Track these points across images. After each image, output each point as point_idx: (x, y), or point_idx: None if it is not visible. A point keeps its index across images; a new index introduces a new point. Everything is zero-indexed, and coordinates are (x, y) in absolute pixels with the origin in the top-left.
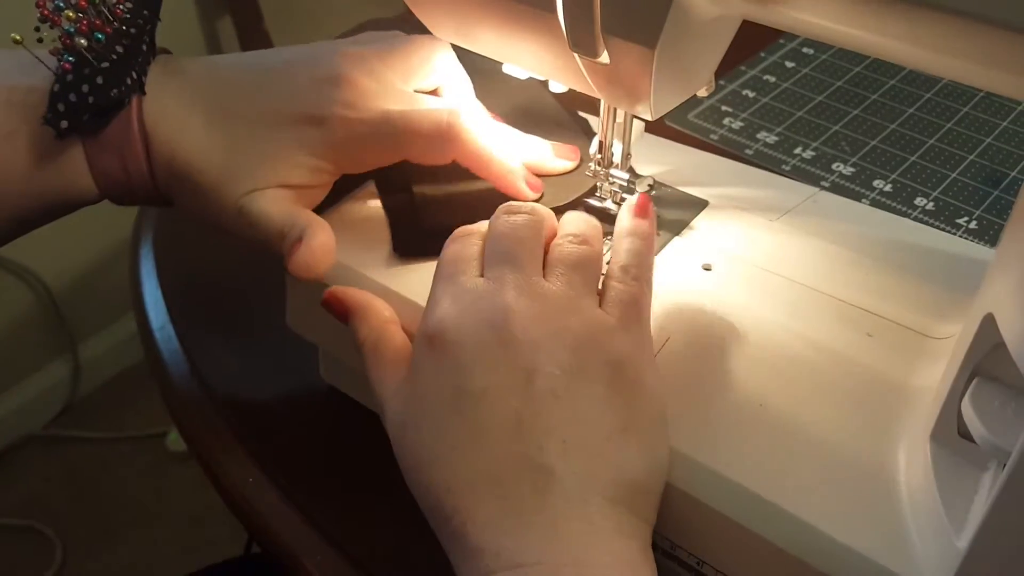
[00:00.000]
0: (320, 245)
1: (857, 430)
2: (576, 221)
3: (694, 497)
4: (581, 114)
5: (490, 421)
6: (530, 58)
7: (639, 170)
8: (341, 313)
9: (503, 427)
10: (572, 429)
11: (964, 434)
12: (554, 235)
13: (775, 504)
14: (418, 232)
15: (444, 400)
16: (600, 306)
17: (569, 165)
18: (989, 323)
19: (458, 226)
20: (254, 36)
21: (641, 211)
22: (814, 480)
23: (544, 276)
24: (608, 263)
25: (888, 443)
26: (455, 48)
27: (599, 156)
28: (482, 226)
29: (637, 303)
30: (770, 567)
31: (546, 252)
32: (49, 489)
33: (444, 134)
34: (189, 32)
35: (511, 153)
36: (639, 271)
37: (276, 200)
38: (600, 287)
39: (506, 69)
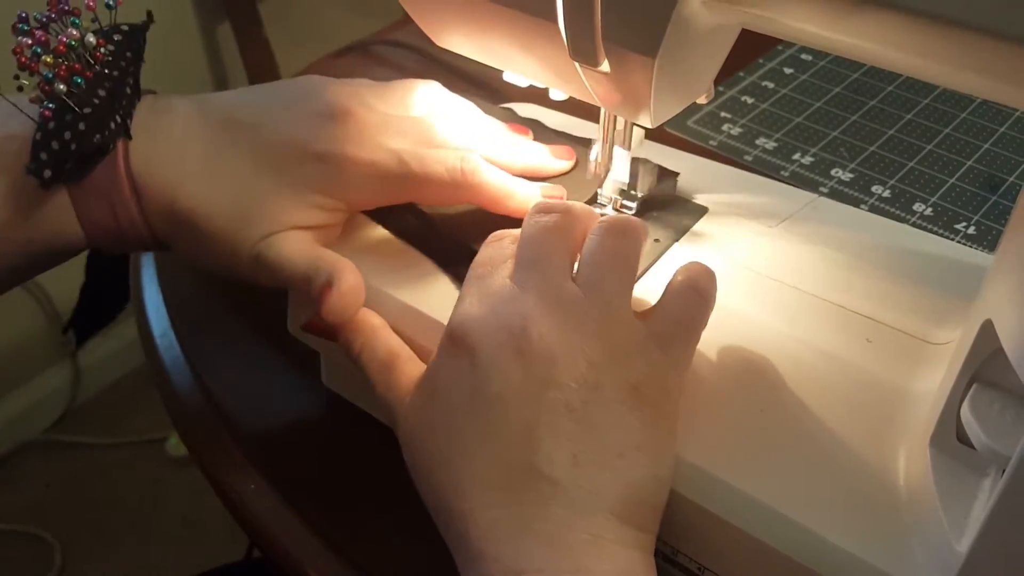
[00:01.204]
0: (350, 288)
1: (857, 435)
2: (613, 216)
3: (695, 503)
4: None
5: (502, 427)
6: (530, 66)
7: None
8: (329, 332)
9: (514, 435)
10: (583, 444)
11: (963, 439)
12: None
13: (775, 509)
14: (451, 249)
15: (461, 400)
16: (650, 314)
17: (567, 165)
18: (988, 329)
19: (483, 235)
20: (253, 43)
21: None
22: (814, 485)
23: (575, 277)
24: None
25: (888, 448)
26: (455, 56)
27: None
28: (518, 231)
29: (689, 323)
30: (771, 572)
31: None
32: (49, 494)
33: (459, 182)
34: (188, 39)
35: (526, 186)
36: (703, 287)
37: (296, 243)
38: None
39: (506, 77)
